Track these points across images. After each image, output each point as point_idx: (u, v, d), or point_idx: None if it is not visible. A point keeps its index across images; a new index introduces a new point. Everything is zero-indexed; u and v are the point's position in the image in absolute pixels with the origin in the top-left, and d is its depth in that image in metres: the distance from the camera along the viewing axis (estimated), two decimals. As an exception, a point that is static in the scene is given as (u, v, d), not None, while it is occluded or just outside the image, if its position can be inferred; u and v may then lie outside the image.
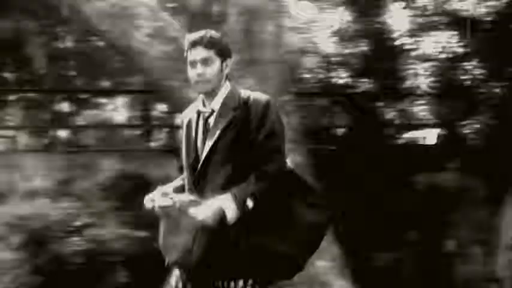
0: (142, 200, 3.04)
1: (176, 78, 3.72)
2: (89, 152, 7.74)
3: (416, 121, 7.39)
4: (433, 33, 6.22)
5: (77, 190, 5.76)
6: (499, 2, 5.96)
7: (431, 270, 6.05)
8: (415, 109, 7.12)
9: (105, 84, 9.86)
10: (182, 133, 3.11)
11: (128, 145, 9.48)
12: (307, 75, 6.23)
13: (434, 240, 6.17)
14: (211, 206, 2.81)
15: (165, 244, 3.04)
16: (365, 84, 6.80)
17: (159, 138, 11.45)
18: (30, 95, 9.64)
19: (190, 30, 4.17)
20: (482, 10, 5.95)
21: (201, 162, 3.02)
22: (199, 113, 3.06)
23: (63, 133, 10.94)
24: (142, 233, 5.56)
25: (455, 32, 6.19)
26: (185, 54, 2.95)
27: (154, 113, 10.87)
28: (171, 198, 2.88)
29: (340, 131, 7.20)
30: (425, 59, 6.33)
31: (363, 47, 6.12)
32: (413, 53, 6.30)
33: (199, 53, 2.98)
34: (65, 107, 10.21)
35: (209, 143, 3.00)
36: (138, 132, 9.85)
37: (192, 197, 2.92)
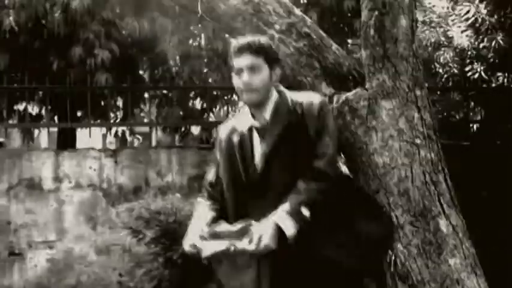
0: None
1: (308, 74, 3.73)
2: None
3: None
4: None
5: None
6: None
7: None
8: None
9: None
10: (224, 149, 3.01)
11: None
12: (441, 70, 6.09)
13: None
14: (267, 228, 2.69)
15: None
16: (501, 79, 6.59)
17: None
18: (164, 92, 9.92)
19: (323, 26, 4.16)
20: None
21: (259, 174, 2.91)
22: (251, 127, 2.96)
23: (195, 129, 11.20)
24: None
25: None
26: (230, 61, 2.87)
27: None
28: (221, 238, 2.74)
29: (475, 126, 7.01)
30: None
31: (499, 40, 5.92)
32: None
33: (247, 59, 2.87)
34: (197, 103, 10.44)
35: (265, 154, 2.90)
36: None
37: (239, 225, 2.77)
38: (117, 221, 5.92)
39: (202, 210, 3.12)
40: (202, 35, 9.55)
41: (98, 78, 8.28)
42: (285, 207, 2.78)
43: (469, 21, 5.80)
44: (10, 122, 9.41)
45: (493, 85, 6.63)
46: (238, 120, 3.14)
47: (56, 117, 9.66)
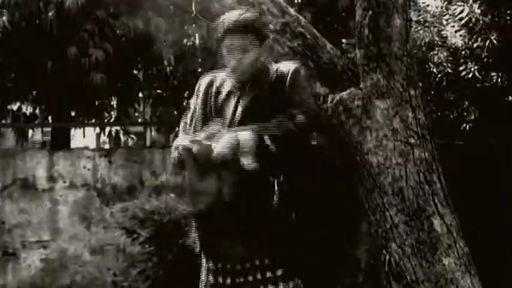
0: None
1: (303, 74, 3.73)
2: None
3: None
4: None
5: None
6: None
7: None
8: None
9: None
10: (200, 99, 3.03)
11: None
12: (435, 70, 6.10)
13: None
14: (226, 137, 2.75)
15: (192, 192, 2.96)
16: (494, 78, 6.60)
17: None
18: (159, 91, 9.92)
19: (317, 25, 4.17)
20: None
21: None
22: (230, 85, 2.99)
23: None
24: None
25: None
26: (218, 37, 2.85)
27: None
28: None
29: (469, 125, 7.01)
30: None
31: (493, 39, 5.93)
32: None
33: (237, 40, 2.86)
34: (191, 103, 10.44)
35: (239, 110, 2.93)
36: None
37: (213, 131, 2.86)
38: (111, 220, 5.91)
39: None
40: (197, 35, 9.54)
41: (93, 78, 8.27)
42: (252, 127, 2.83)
43: (463, 21, 5.80)
44: (4, 121, 9.40)
45: (487, 84, 6.63)
46: (219, 75, 3.15)
47: (50, 117, 9.65)
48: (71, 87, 7.66)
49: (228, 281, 2.97)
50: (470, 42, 5.96)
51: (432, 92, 6.56)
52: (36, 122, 9.76)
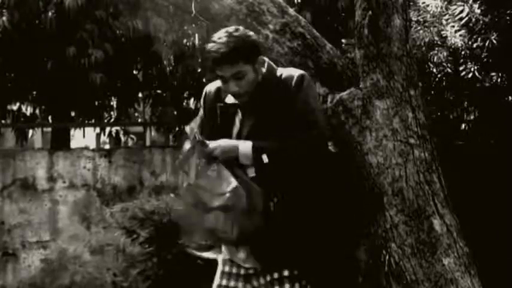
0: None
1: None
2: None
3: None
4: None
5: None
6: None
7: None
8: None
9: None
10: (207, 114, 3.05)
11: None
12: (435, 70, 6.10)
13: None
14: (226, 142, 2.78)
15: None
16: (494, 78, 6.60)
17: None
18: (158, 91, 9.92)
19: (317, 25, 4.17)
20: None
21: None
22: (235, 104, 3.00)
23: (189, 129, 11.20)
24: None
25: None
26: (208, 65, 2.87)
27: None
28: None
29: (469, 125, 7.02)
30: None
31: (493, 40, 5.93)
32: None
33: (228, 70, 2.85)
34: (191, 103, 10.44)
35: (248, 124, 2.94)
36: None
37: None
38: (111, 221, 5.91)
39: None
40: (196, 35, 9.54)
41: (92, 78, 8.27)
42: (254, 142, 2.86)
43: (463, 21, 5.80)
44: (4, 122, 9.40)
45: (487, 85, 6.63)
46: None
47: (49, 117, 9.64)
48: (70, 87, 7.65)
49: (240, 284, 3.04)
50: (470, 42, 5.95)
51: (432, 92, 6.56)
52: (36, 122, 9.76)
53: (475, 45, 5.96)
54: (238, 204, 2.80)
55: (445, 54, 5.89)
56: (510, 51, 5.97)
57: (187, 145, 2.94)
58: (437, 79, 6.32)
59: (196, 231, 3.02)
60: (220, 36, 2.94)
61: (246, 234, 2.85)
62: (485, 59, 6.07)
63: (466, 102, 6.97)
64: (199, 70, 9.65)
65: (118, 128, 10.11)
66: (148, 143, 9.96)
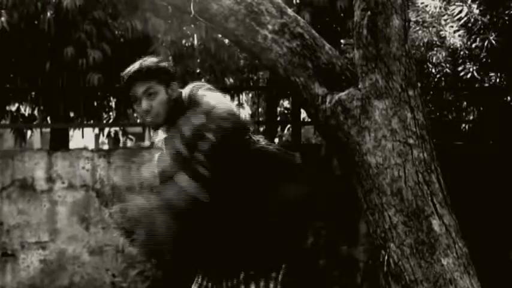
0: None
1: (301, 75, 3.73)
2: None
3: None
4: None
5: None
6: None
7: None
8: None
9: (230, 81, 10.02)
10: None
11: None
12: (434, 70, 6.11)
13: None
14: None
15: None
16: (493, 78, 6.60)
17: (283, 135, 11.50)
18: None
19: (315, 26, 4.16)
20: None
21: None
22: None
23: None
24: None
25: None
26: (125, 89, 2.92)
27: (279, 110, 10.94)
28: None
29: (468, 126, 7.02)
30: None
31: (492, 40, 5.93)
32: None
33: (140, 87, 2.92)
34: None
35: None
36: (262, 128, 9.95)
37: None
38: (110, 221, 5.90)
39: None
40: (195, 35, 9.54)
41: (90, 78, 8.26)
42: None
43: (462, 21, 5.81)
44: (2, 122, 9.39)
45: (486, 85, 6.64)
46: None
47: (48, 118, 9.64)
48: (69, 87, 7.65)
49: None
50: (469, 43, 5.96)
51: (431, 92, 6.56)
52: (35, 122, 9.75)
53: (473, 46, 5.97)
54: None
55: (444, 54, 5.90)
56: (509, 51, 5.98)
57: None
58: (436, 79, 6.33)
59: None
60: (134, 63, 3.10)
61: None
62: (484, 59, 6.08)
63: (465, 102, 6.97)
64: (198, 70, 9.66)
65: (117, 128, 10.11)
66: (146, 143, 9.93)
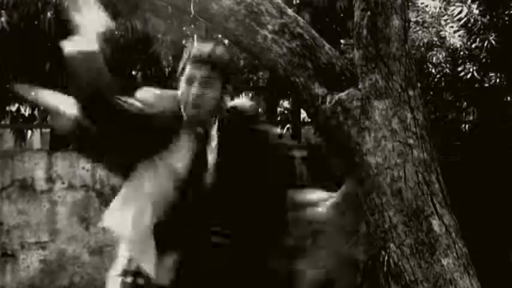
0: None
1: (301, 75, 3.73)
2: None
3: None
4: None
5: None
6: None
7: None
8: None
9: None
10: None
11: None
12: (434, 70, 6.11)
13: None
14: None
15: None
16: (493, 79, 6.61)
17: (283, 135, 11.50)
18: (157, 92, 9.91)
19: (315, 26, 4.16)
20: None
21: None
22: None
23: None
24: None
25: None
26: (182, 65, 2.81)
27: (279, 110, 10.93)
28: None
29: (468, 126, 7.03)
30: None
31: (492, 40, 5.94)
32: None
33: (202, 70, 2.80)
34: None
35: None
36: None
37: None
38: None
39: None
40: (195, 35, 9.54)
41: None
42: None
43: (462, 22, 5.81)
44: (2, 122, 9.39)
45: (486, 85, 6.65)
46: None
47: (48, 118, 9.63)
48: (69, 88, 7.64)
49: None
50: (468, 43, 5.97)
51: (431, 93, 6.57)
52: (35, 123, 9.75)
53: (473, 46, 5.98)
54: None
55: (443, 54, 5.91)
56: (509, 51, 5.99)
57: None
58: (436, 79, 6.34)
59: None
60: (207, 43, 2.98)
61: None
62: (484, 60, 6.09)
63: (465, 103, 6.98)
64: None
65: (117, 128, 10.10)
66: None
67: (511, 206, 5.79)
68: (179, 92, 3.03)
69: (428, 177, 3.56)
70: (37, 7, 8.23)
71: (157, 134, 2.97)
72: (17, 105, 9.39)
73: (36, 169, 6.14)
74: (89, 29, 2.83)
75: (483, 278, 3.63)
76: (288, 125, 11.89)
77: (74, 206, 6.13)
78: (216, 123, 2.95)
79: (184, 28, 9.45)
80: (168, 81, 9.52)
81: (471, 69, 6.04)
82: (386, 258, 3.52)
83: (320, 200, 3.07)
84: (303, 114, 10.72)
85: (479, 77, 6.27)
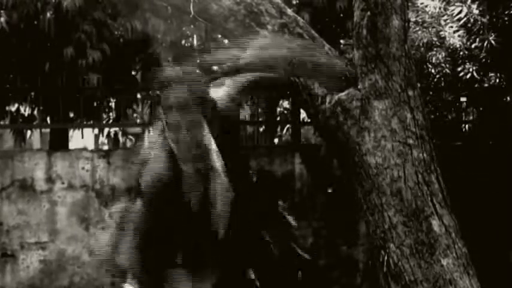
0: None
1: (301, 75, 3.73)
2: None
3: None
4: None
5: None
6: None
7: None
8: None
9: (229, 81, 10.01)
10: None
11: (252, 142, 9.56)
12: (433, 70, 6.10)
13: None
14: None
15: None
16: (493, 79, 6.60)
17: (282, 135, 11.48)
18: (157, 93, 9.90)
19: (315, 26, 4.15)
20: None
21: None
22: None
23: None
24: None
25: None
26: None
27: (279, 110, 10.92)
28: None
29: (467, 126, 7.03)
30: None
31: (491, 40, 5.93)
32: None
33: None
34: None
35: None
36: (262, 128, 9.94)
37: None
38: (110, 221, 5.90)
39: None
40: (195, 36, 9.54)
41: (89, 79, 8.25)
42: None
43: (461, 22, 5.80)
44: (2, 123, 9.39)
45: (486, 85, 6.64)
46: None
47: (48, 118, 9.63)
48: (68, 88, 7.64)
49: None
50: (468, 43, 5.96)
51: (431, 93, 6.56)
52: (34, 123, 9.74)
53: (473, 46, 5.97)
54: None
55: (443, 54, 5.90)
56: (509, 51, 5.98)
57: None
58: (435, 79, 6.32)
59: None
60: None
61: None
62: (483, 60, 6.08)
63: (464, 103, 6.97)
64: (197, 71, 9.64)
65: (116, 129, 10.10)
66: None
67: (511, 206, 5.79)
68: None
69: (428, 177, 3.56)
70: (37, 7, 8.22)
71: None
72: (16, 105, 9.38)
73: (36, 169, 6.14)
74: None
75: (483, 278, 3.63)
76: (288, 125, 11.88)
77: (73, 206, 6.13)
78: None
79: (184, 28, 9.45)
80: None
81: (471, 69, 6.03)
82: (386, 258, 3.52)
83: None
84: (303, 114, 10.71)
85: (479, 77, 6.27)
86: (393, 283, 3.52)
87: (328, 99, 3.69)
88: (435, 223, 3.52)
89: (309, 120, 6.16)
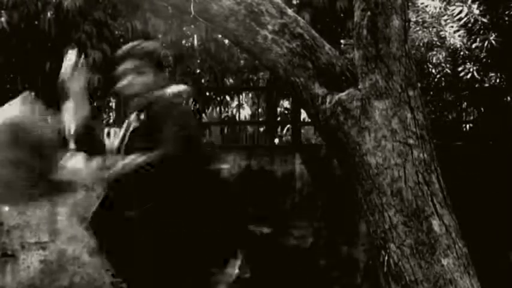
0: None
1: (301, 75, 3.73)
2: (214, 149, 7.87)
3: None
4: None
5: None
6: None
7: None
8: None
9: (230, 81, 10.01)
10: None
11: (252, 142, 9.58)
12: (434, 70, 6.12)
13: None
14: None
15: None
16: (493, 79, 6.61)
17: (283, 135, 11.48)
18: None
19: (315, 26, 4.15)
20: None
21: None
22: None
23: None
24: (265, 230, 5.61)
25: None
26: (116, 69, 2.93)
27: (279, 110, 10.93)
28: None
29: (468, 126, 7.04)
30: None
31: (492, 40, 5.94)
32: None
33: (130, 63, 2.92)
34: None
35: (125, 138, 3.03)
36: (262, 128, 9.96)
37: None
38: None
39: None
40: (195, 36, 9.54)
41: (90, 79, 8.26)
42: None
43: (462, 22, 5.81)
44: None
45: (486, 85, 6.65)
46: None
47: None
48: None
49: None
50: (469, 43, 5.97)
51: (431, 93, 6.57)
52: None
53: (474, 46, 5.98)
54: None
55: (444, 54, 5.91)
56: (509, 51, 5.99)
57: None
58: (436, 79, 6.34)
59: None
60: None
61: None
62: (484, 60, 6.09)
63: (465, 103, 6.98)
64: (198, 71, 9.66)
65: (116, 129, 10.11)
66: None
67: (511, 206, 5.79)
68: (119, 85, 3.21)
69: (428, 177, 3.56)
70: (37, 7, 8.24)
71: None
72: (17, 105, 9.38)
73: (36, 169, 6.13)
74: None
75: (483, 278, 3.64)
76: (288, 125, 11.89)
77: (74, 206, 6.13)
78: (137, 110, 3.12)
79: (184, 28, 9.46)
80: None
81: (471, 69, 6.04)
82: (386, 258, 3.52)
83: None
84: (303, 114, 10.73)
85: (479, 77, 6.28)
86: (393, 283, 3.52)
87: (328, 99, 3.68)
88: (435, 223, 3.52)
89: (309, 120, 6.17)
